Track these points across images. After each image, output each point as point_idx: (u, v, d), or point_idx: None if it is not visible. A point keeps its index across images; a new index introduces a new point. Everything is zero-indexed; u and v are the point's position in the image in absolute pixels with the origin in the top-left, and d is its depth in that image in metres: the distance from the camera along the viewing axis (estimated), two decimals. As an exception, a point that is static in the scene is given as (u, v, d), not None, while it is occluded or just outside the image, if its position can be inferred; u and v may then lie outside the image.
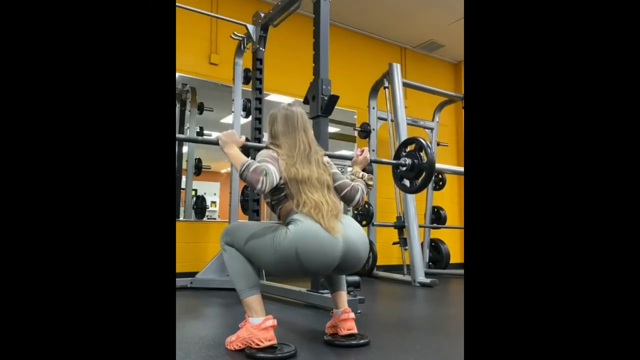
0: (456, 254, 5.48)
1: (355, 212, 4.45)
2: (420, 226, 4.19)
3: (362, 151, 1.90)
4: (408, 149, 2.34)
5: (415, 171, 2.28)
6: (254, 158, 1.57)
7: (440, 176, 5.15)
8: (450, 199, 5.74)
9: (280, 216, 1.61)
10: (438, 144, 5.19)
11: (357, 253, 1.54)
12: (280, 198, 1.59)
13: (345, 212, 5.04)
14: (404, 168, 2.31)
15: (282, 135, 1.64)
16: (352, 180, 1.75)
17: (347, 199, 1.71)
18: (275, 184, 1.49)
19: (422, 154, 2.26)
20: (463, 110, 5.36)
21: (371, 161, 2.01)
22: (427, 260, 4.80)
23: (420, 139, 2.29)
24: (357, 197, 1.71)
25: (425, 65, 5.87)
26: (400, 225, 4.14)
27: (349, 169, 1.88)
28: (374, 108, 4.66)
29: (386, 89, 4.37)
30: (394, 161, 2.35)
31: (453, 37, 5.35)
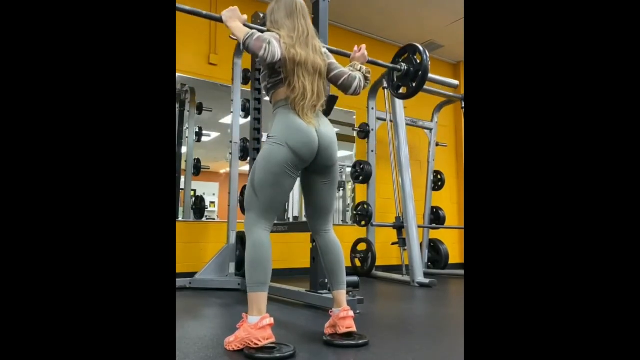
0: (455, 255, 5.48)
1: (355, 212, 4.45)
2: (419, 226, 4.19)
3: (360, 48, 1.95)
4: (402, 58, 2.35)
5: (411, 75, 2.28)
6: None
7: (439, 176, 5.15)
8: (450, 199, 5.75)
9: (272, 100, 1.72)
10: (437, 144, 5.19)
11: (329, 143, 1.66)
12: (277, 82, 1.66)
13: (345, 211, 5.05)
14: (399, 73, 2.32)
15: (282, 19, 1.71)
16: (351, 71, 1.81)
17: (344, 87, 1.78)
18: (277, 56, 1.56)
19: (417, 57, 2.26)
20: (462, 110, 5.37)
21: (369, 62, 2.02)
22: (426, 260, 4.80)
23: (415, 44, 2.30)
24: (355, 84, 1.78)
25: (424, 66, 5.86)
26: (399, 226, 4.14)
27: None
28: (373, 109, 4.66)
29: (385, 90, 4.37)
30: (391, 65, 2.36)
31: (452, 38, 5.36)
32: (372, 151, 4.58)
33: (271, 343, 1.45)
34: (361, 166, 4.34)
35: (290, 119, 1.60)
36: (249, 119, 3.54)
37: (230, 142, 3.65)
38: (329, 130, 1.68)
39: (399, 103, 4.20)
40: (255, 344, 1.44)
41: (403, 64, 2.31)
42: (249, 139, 3.47)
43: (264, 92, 3.44)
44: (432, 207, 5.08)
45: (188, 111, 4.25)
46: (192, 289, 3.21)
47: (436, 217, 5.04)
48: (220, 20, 1.70)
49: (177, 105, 4.22)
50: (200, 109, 4.26)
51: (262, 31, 1.69)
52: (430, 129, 5.17)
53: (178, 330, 1.82)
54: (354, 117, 5.11)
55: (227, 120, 4.21)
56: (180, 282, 3.19)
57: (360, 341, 1.60)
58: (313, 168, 1.69)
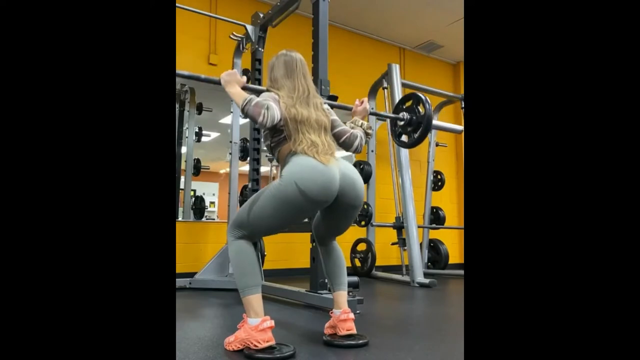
0: (455, 255, 5.48)
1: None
2: (419, 226, 4.19)
3: (362, 102, 1.93)
4: (406, 105, 2.35)
5: (413, 125, 2.28)
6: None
7: (439, 176, 5.15)
8: (449, 199, 5.75)
9: (279, 159, 1.66)
10: (437, 145, 5.20)
11: (353, 185, 1.57)
12: (280, 140, 1.62)
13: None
14: (402, 122, 2.31)
15: (282, 78, 1.68)
16: (352, 128, 1.80)
17: (346, 145, 1.77)
18: (276, 120, 1.53)
19: (420, 107, 2.27)
20: (462, 110, 5.37)
21: (371, 113, 2.02)
22: (426, 260, 4.80)
23: (418, 94, 2.30)
24: (356, 143, 1.77)
25: (424, 66, 5.88)
26: (399, 226, 4.14)
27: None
28: (372, 108, 4.66)
29: (385, 90, 4.37)
30: (393, 115, 2.36)
31: (452, 38, 5.36)
32: (372, 151, 4.58)
33: (271, 345, 1.45)
34: (361, 166, 4.34)
35: (304, 159, 1.51)
36: (248, 119, 3.54)
37: (230, 142, 3.65)
38: (351, 169, 1.60)
39: (399, 103, 4.20)
40: (255, 345, 1.43)
41: (405, 114, 2.30)
42: (249, 139, 3.47)
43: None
44: (432, 207, 5.08)
45: (188, 111, 4.25)
46: (192, 289, 3.21)
47: (436, 217, 5.04)
48: (218, 83, 1.68)
49: (177, 105, 4.22)
50: (200, 109, 4.26)
51: (260, 92, 1.66)
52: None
53: (178, 330, 1.82)
54: (354, 117, 5.11)
55: (227, 120, 4.21)
56: (180, 282, 3.19)
57: (360, 341, 1.60)
58: (335, 206, 1.59)
